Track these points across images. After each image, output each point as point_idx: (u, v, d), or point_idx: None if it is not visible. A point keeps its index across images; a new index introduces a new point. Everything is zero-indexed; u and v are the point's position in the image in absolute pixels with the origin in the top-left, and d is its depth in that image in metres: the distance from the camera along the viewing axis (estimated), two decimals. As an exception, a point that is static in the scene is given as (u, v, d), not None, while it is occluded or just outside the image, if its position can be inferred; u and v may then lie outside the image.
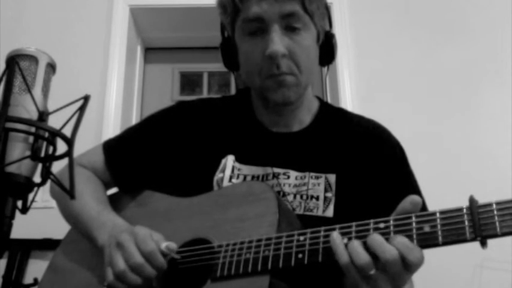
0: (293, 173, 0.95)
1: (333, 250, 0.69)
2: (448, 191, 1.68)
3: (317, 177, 0.93)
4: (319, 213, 0.90)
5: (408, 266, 0.66)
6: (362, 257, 0.66)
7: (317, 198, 0.91)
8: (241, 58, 0.96)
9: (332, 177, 0.93)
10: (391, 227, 0.68)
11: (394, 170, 0.96)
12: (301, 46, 0.91)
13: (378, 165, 0.95)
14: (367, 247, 0.67)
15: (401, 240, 0.66)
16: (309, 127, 1.01)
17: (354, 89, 2.22)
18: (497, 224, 0.62)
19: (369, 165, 0.95)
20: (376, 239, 0.67)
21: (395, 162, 0.97)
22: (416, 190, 0.95)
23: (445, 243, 0.65)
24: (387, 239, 0.67)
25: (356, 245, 0.68)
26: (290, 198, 0.92)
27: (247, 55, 0.94)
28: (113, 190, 1.08)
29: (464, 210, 0.65)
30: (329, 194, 0.92)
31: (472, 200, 0.65)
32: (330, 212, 0.90)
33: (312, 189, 0.92)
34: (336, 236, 0.70)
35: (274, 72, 0.90)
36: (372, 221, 0.70)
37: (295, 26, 0.90)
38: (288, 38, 0.90)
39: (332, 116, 1.04)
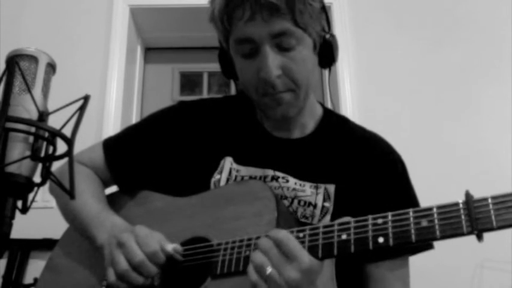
0: (292, 178, 0.94)
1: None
2: (448, 190, 1.67)
3: (316, 187, 0.92)
4: (315, 221, 0.89)
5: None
6: (257, 256, 0.69)
7: (314, 206, 0.90)
8: (238, 73, 0.95)
9: (331, 188, 0.92)
10: (389, 222, 0.69)
11: (394, 185, 0.95)
12: (296, 61, 0.87)
13: (378, 179, 0.94)
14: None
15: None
16: (310, 135, 1.00)
17: (354, 89, 2.22)
18: (493, 217, 0.62)
19: (369, 178, 0.94)
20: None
21: (395, 177, 0.96)
22: (415, 206, 0.94)
23: (442, 237, 0.66)
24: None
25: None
26: (287, 202, 0.91)
27: (242, 74, 0.93)
28: (112, 189, 1.08)
29: (461, 205, 0.65)
30: (327, 204, 0.91)
31: (468, 195, 0.65)
32: (325, 222, 0.89)
33: (310, 196, 0.91)
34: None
35: (270, 92, 0.89)
36: (370, 216, 0.71)
37: (287, 45, 0.86)
38: (281, 55, 0.86)
39: (335, 126, 1.02)
